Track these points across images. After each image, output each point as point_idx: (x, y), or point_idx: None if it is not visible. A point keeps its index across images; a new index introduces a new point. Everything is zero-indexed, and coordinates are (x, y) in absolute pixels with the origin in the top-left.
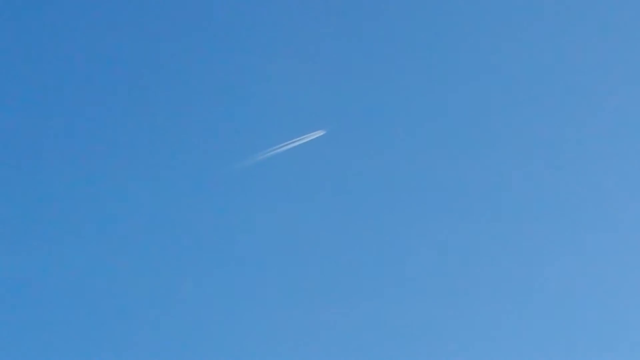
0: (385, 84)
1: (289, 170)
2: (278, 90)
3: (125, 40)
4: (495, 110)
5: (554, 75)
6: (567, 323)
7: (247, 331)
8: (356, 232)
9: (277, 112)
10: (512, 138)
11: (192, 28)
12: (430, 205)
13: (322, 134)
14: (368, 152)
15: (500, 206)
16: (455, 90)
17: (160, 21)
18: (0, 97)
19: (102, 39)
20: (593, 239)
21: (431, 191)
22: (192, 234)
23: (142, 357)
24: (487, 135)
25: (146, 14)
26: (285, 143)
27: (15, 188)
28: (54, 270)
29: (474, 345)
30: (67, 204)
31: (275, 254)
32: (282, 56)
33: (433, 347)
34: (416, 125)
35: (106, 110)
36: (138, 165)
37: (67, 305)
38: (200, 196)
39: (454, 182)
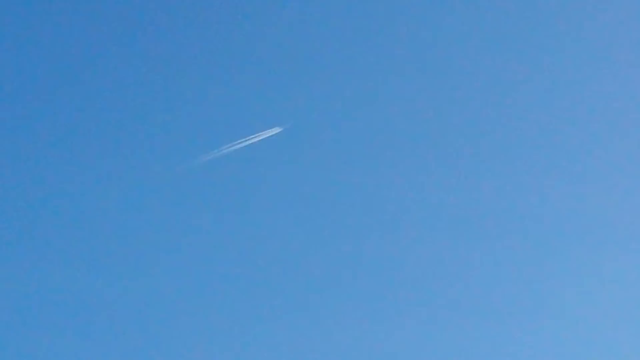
0: (346, 81)
1: (246, 167)
2: (235, 88)
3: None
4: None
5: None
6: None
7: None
8: (312, 231)
9: (235, 109)
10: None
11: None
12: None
13: (278, 131)
14: (325, 149)
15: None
16: (416, 83)
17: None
18: None
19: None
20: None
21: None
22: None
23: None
24: (448, 130)
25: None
26: (242, 140)
27: None
28: None
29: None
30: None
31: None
32: (240, 53)
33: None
34: (378, 121)
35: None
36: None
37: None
38: (155, 195)
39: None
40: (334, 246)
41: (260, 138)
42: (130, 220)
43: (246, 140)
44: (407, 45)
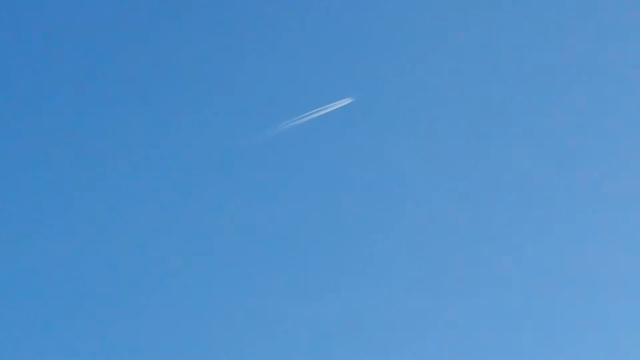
0: (419, 51)
1: (317, 139)
2: (306, 59)
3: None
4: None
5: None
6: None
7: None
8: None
9: (305, 81)
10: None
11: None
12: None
13: (349, 101)
14: (396, 120)
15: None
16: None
17: None
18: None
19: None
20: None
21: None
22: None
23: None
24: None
25: None
26: (313, 111)
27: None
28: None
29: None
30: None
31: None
32: (310, 23)
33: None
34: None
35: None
36: (163, 129)
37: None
38: (226, 169)
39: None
40: (408, 214)
41: (331, 109)
42: (202, 195)
43: (317, 112)
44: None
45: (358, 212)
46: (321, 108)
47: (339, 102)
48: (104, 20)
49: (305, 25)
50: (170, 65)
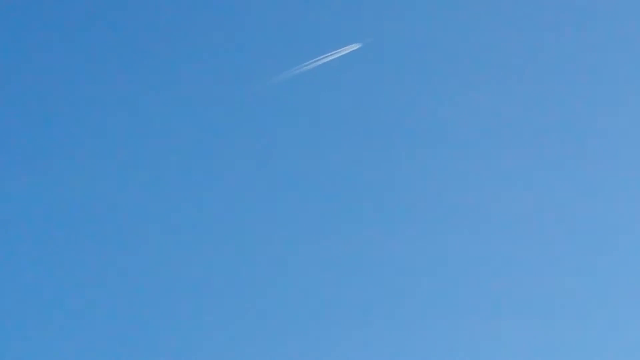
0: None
1: (325, 84)
2: (312, 4)
3: None
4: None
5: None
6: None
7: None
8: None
9: (312, 26)
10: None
11: None
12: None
13: (357, 47)
14: (406, 66)
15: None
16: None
17: None
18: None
19: None
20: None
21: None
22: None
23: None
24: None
25: None
26: (320, 57)
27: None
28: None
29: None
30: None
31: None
32: None
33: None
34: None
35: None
36: (167, 83)
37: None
38: (234, 114)
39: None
40: (415, 167)
41: (339, 54)
42: (203, 145)
43: (325, 57)
44: None
45: (365, 158)
46: (329, 54)
47: (347, 47)
48: None
49: None
50: (175, 12)
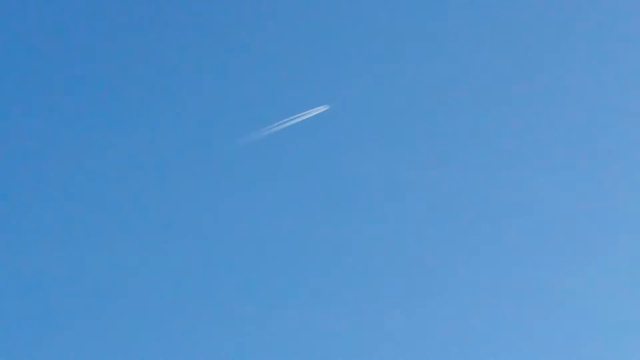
0: (393, 59)
1: (293, 146)
2: (281, 66)
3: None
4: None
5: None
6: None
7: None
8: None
9: (281, 88)
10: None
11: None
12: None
13: (325, 109)
14: (372, 127)
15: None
16: (460, 66)
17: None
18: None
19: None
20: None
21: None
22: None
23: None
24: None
25: None
26: (289, 118)
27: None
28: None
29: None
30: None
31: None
32: (285, 31)
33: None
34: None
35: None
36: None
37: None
38: (202, 174)
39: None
40: (383, 223)
41: (307, 116)
42: (172, 201)
43: (293, 119)
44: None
45: (329, 219)
46: (297, 115)
47: (314, 109)
48: (89, 21)
49: (281, 33)
50: (147, 72)
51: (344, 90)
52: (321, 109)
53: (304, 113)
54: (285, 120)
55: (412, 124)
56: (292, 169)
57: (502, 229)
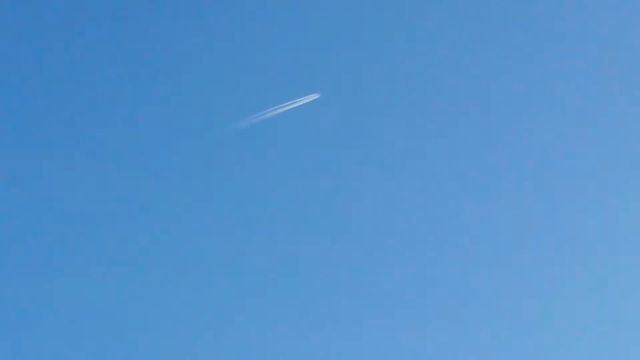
0: (382, 46)
1: (284, 133)
2: (273, 53)
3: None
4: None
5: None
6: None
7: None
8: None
9: (272, 75)
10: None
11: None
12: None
13: (317, 97)
14: (363, 115)
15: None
16: (454, 53)
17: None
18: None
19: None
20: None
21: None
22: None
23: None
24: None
25: None
26: (280, 106)
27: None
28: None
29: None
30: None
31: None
32: (278, 17)
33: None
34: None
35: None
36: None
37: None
38: (194, 162)
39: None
40: (374, 215)
41: (298, 104)
42: (162, 191)
43: (284, 106)
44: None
45: (318, 207)
46: (288, 103)
47: (305, 97)
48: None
49: (272, 20)
50: (137, 59)
51: (335, 79)
52: (312, 97)
53: (294, 101)
54: (275, 107)
55: (403, 112)
56: (283, 156)
57: (500, 227)
